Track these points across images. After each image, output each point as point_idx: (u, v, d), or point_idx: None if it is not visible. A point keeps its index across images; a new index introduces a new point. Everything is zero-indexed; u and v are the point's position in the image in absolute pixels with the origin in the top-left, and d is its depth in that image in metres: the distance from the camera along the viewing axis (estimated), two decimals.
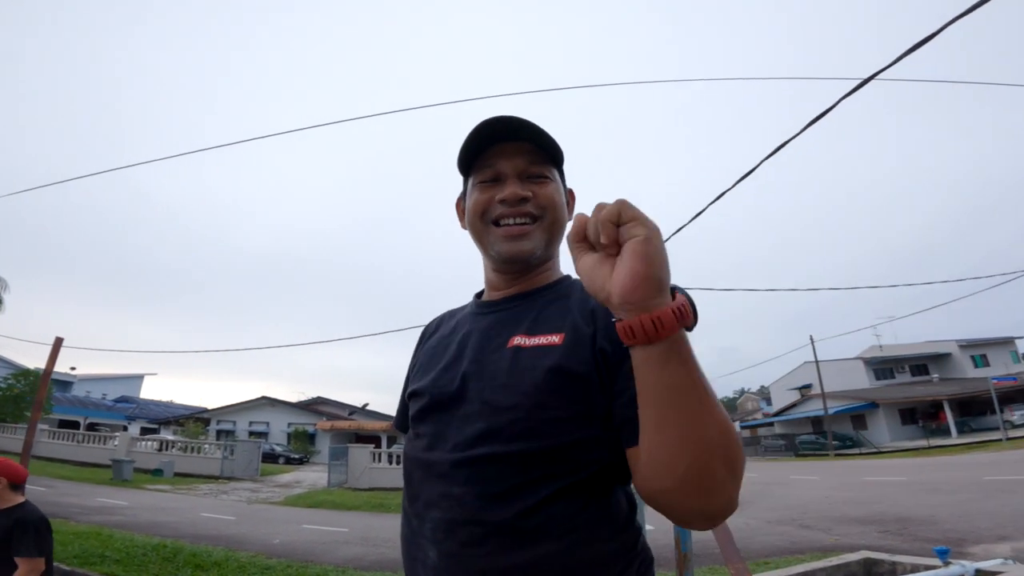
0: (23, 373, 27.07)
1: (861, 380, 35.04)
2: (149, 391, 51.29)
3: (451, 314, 1.06)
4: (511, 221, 0.88)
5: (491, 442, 0.76)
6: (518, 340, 0.83)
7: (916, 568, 4.33)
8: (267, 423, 36.47)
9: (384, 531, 8.84)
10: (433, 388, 0.87)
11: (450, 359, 0.89)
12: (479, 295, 1.03)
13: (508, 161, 0.89)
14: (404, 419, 1.04)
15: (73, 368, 38.73)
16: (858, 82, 4.39)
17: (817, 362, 31.18)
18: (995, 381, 25.07)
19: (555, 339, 0.80)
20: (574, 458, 0.75)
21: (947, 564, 4.07)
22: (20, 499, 2.56)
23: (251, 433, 34.87)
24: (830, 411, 29.19)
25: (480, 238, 0.93)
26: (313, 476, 22.42)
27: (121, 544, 6.21)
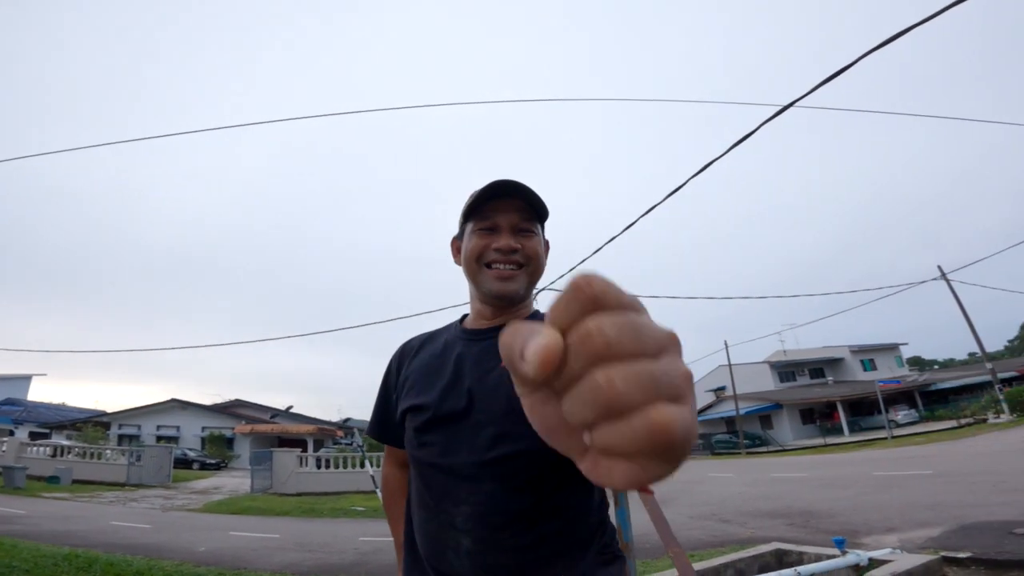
0: None
1: (767, 382, 37.77)
2: (37, 393, 46.42)
3: (431, 336, 1.21)
4: (501, 266, 1.05)
5: (505, 443, 0.93)
6: None
7: (820, 557, 4.76)
8: (178, 427, 34.28)
9: (319, 536, 8.61)
10: (440, 403, 1.02)
11: (451, 378, 1.04)
12: (462, 320, 1.19)
13: (505, 215, 1.06)
14: (381, 429, 1.20)
15: None
16: (778, 108, 4.86)
17: (730, 365, 33.44)
18: (881, 384, 27.84)
19: None
20: None
21: (844, 553, 4.56)
22: None
23: (159, 438, 32.50)
24: (741, 412, 31.37)
25: (474, 277, 1.09)
26: (233, 482, 21.24)
27: (28, 554, 5.69)
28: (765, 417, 33.81)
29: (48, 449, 20.71)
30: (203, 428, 34.12)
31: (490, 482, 0.93)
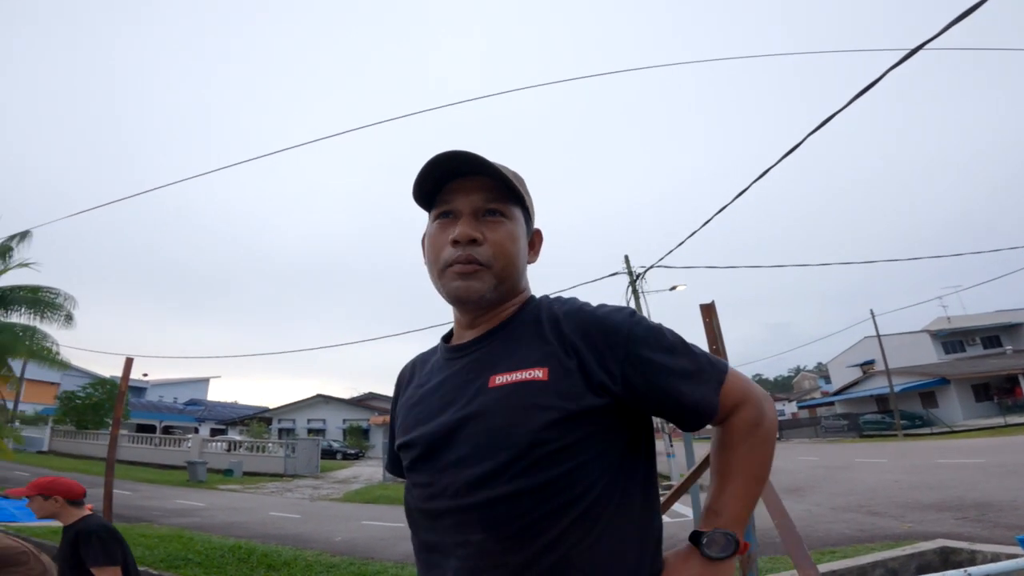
0: (100, 382, 28.97)
1: (928, 355, 33.21)
2: (215, 393, 54.07)
3: (423, 359, 1.05)
4: (460, 262, 0.87)
5: (493, 483, 0.77)
6: (500, 379, 0.83)
7: (997, 557, 4.09)
8: (323, 420, 37.76)
9: None
10: (421, 439, 0.87)
11: (435, 408, 0.88)
12: (447, 338, 1.01)
13: (465, 197, 0.88)
14: (392, 463, 1.06)
15: (146, 375, 41.10)
16: (905, 52, 4.14)
17: (879, 336, 29.62)
18: None
19: (539, 373, 0.81)
20: (583, 480, 0.77)
21: None
22: (83, 512, 2.60)
23: (309, 431, 36.27)
24: (896, 388, 27.80)
25: (435, 278, 0.92)
26: (368, 471, 23.19)
27: (201, 546, 6.57)
28: (927, 394, 29.66)
29: (224, 444, 24.09)
30: (343, 420, 37.47)
31: (479, 531, 0.77)
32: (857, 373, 37.21)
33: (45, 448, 26.44)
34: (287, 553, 6.44)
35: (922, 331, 34.83)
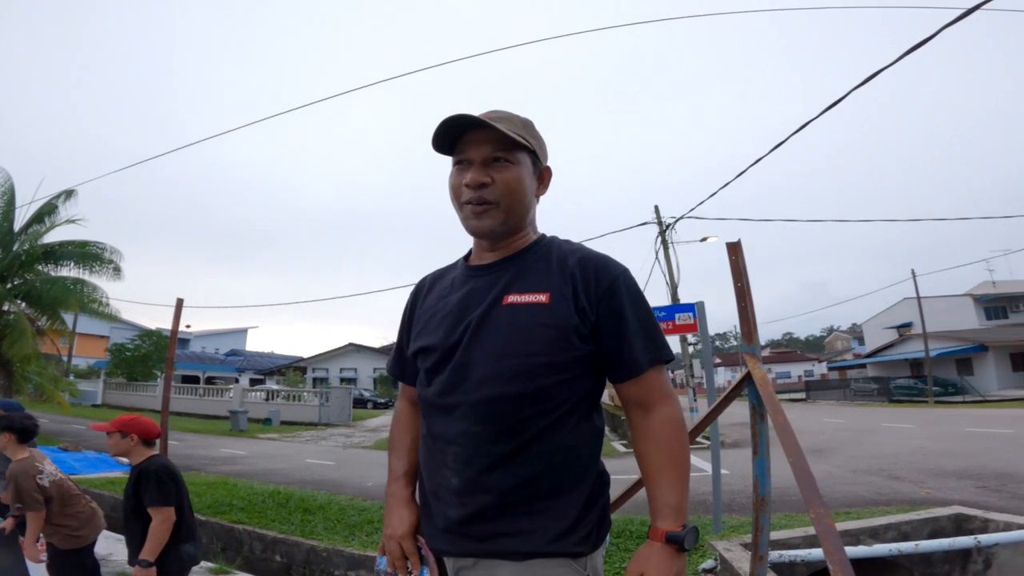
0: (147, 333, 30.15)
1: (969, 319, 32.10)
2: (253, 343, 55.83)
3: (441, 273, 1.22)
4: (473, 202, 1.03)
5: (494, 383, 0.95)
6: (511, 298, 1.01)
7: (1010, 526, 4.12)
8: (355, 369, 38.49)
9: None
10: (444, 343, 1.04)
11: (455, 317, 1.05)
12: (466, 257, 1.18)
13: (476, 148, 1.02)
14: (399, 368, 1.24)
15: (188, 326, 42.23)
16: (961, 12, 3.94)
17: (919, 298, 28.70)
18: None
19: (542, 297, 0.99)
20: (561, 394, 0.97)
21: None
22: (151, 452, 2.67)
23: (342, 379, 37.05)
24: (932, 353, 27.09)
25: (458, 214, 1.09)
26: None
27: (244, 492, 6.98)
28: (964, 360, 28.81)
29: (263, 394, 25.13)
30: (374, 369, 38.19)
31: (477, 424, 0.96)
32: (893, 335, 36.29)
33: (99, 401, 27.43)
34: (322, 498, 6.84)
35: (965, 295, 33.58)
